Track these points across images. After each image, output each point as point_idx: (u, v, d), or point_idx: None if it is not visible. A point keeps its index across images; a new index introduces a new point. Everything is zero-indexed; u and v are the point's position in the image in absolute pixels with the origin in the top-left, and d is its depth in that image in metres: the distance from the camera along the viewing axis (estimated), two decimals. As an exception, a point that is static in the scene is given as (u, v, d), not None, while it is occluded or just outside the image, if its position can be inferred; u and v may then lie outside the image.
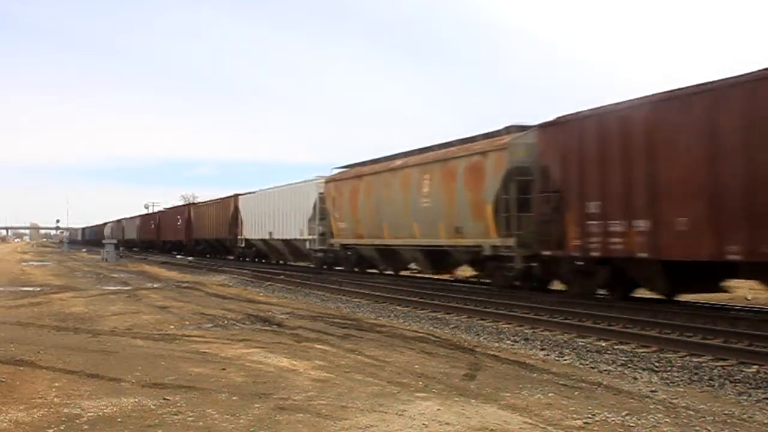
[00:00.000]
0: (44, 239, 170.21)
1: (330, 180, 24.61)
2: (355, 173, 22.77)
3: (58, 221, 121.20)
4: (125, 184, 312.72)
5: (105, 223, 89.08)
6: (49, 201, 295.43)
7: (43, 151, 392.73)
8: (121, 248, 52.11)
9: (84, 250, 70.20)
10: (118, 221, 79.35)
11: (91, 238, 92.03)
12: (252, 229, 32.85)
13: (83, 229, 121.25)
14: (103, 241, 48.49)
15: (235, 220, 35.40)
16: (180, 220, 48.19)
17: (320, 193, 25.09)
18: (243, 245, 34.75)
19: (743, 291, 15.60)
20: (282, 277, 23.09)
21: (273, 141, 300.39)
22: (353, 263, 23.53)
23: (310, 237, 25.65)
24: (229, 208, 36.63)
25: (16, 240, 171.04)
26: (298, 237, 26.90)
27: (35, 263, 36.34)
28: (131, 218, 74.27)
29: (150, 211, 75.89)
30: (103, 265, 33.65)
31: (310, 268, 27.70)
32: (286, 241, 28.58)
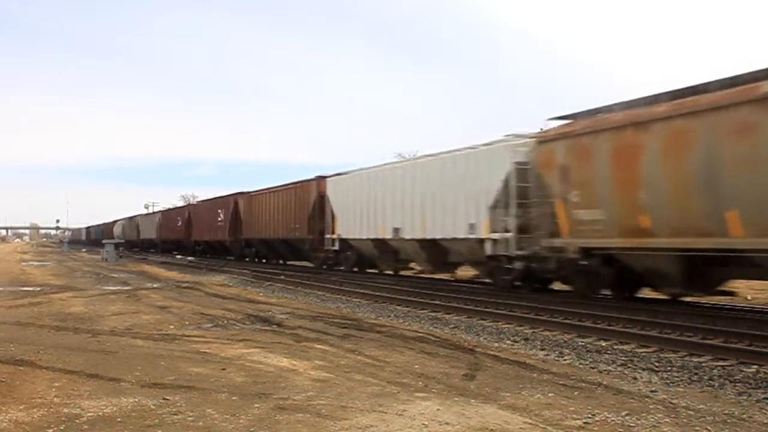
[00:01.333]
0: (44, 239, 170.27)
1: (551, 138, 13.88)
2: (630, 118, 12.08)
3: (58, 221, 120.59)
4: (125, 184, 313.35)
5: (115, 221, 77.61)
6: (49, 201, 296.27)
7: (43, 151, 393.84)
8: (121, 248, 50.06)
9: (84, 250, 69.79)
10: (131, 218, 67.96)
11: (98, 238, 77.11)
12: (353, 226, 22.23)
13: (88, 228, 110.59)
14: (104, 241, 46.97)
15: (319, 212, 25.12)
16: (221, 216, 37.20)
17: (518, 163, 14.80)
18: (336, 247, 23.94)
19: (743, 291, 15.61)
20: (282, 277, 23.08)
21: (273, 141, 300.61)
22: (608, 281, 13.39)
23: (496, 235, 15.37)
24: (307, 197, 26.38)
25: (16, 240, 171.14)
26: (462, 235, 16.69)
27: (35, 263, 36.34)
28: (149, 214, 63.53)
29: (152, 210, 70.70)
30: (103, 265, 33.65)
31: (431, 282, 20.03)
32: (430, 242, 18.29)
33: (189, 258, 42.20)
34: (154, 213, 61.25)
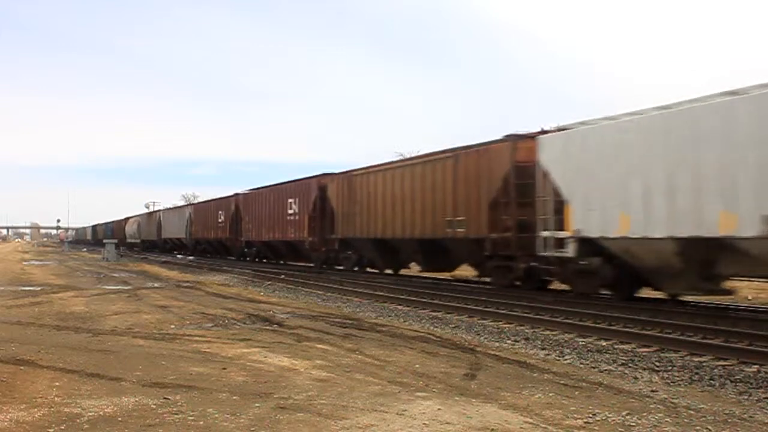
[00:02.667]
0: (45, 239, 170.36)
1: None
2: None
3: (58, 221, 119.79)
4: (125, 184, 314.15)
5: (127, 218, 68.47)
6: (50, 201, 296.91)
7: (43, 151, 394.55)
8: (121, 248, 47.73)
9: (84, 249, 69.52)
10: (151, 214, 57.61)
11: (107, 237, 63.62)
12: (622, 214, 12.34)
13: (94, 226, 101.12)
14: (105, 241, 45.01)
15: (517, 194, 15.23)
16: (294, 207, 27.23)
17: None
18: (567, 253, 13.51)
19: (744, 291, 15.63)
20: (283, 276, 23.07)
21: (273, 141, 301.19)
22: None
23: None
24: (488, 170, 16.22)
25: (16, 240, 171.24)
26: None
27: (36, 263, 36.32)
28: (176, 208, 51.88)
29: (153, 209, 64.30)
30: (104, 265, 33.64)
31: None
32: None
33: (190, 257, 41.93)
34: (182, 206, 49.39)
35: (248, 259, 33.98)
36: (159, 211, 55.67)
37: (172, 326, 10.69)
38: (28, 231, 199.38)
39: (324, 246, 25.32)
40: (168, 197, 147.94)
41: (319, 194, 25.33)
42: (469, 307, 13.57)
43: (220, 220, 37.50)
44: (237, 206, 34.77)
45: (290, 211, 27.46)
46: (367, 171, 22.22)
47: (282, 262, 31.64)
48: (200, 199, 53.66)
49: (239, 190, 35.62)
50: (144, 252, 54.52)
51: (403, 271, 23.10)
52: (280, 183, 30.26)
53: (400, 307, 14.33)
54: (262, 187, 32.59)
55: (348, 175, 23.48)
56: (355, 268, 23.67)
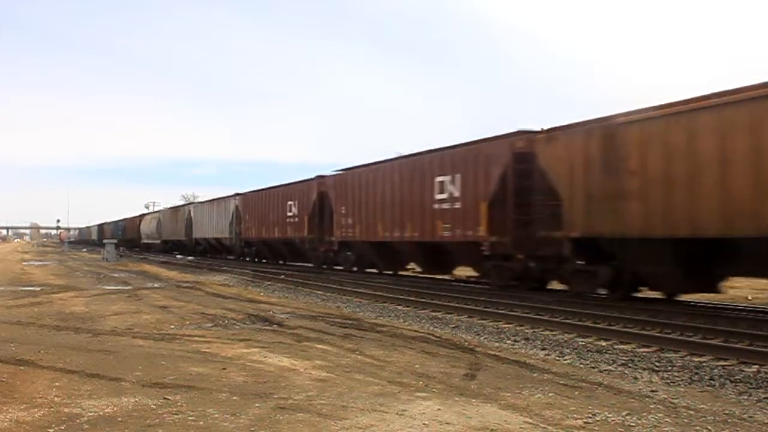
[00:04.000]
0: (45, 239, 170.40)
1: None
2: None
3: (58, 221, 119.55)
4: (125, 184, 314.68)
5: (142, 215, 61.58)
6: (50, 201, 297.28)
7: (43, 151, 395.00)
8: (121, 248, 46.77)
9: (84, 249, 69.48)
10: (176, 209, 48.38)
11: (117, 237, 57.97)
12: None
13: (100, 225, 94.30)
14: (104, 241, 44.45)
15: None
16: (448, 188, 17.68)
17: None
18: None
19: (744, 291, 15.64)
20: (283, 276, 23.07)
21: (273, 141, 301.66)
22: None
23: None
24: None
25: (16, 240, 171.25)
26: None
27: (36, 263, 36.31)
28: (215, 200, 39.42)
29: (153, 209, 63.07)
30: (104, 265, 33.63)
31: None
32: None
33: (189, 257, 41.89)
34: (225, 198, 37.35)
35: (339, 267, 24.99)
36: (188, 205, 47.76)
37: (172, 326, 10.69)
38: (28, 231, 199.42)
39: (522, 251, 15.56)
40: (168, 197, 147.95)
41: (514, 165, 15.67)
42: (468, 307, 13.57)
43: (290, 214, 28.12)
44: (322, 194, 25.64)
45: (439, 197, 18.01)
46: (664, 112, 11.97)
47: (392, 272, 22.20)
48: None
49: (325, 173, 26.12)
50: (144, 252, 53.46)
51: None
52: (417, 153, 20.10)
53: (399, 307, 14.33)
54: (373, 164, 22.51)
55: (600, 126, 13.21)
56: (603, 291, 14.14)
